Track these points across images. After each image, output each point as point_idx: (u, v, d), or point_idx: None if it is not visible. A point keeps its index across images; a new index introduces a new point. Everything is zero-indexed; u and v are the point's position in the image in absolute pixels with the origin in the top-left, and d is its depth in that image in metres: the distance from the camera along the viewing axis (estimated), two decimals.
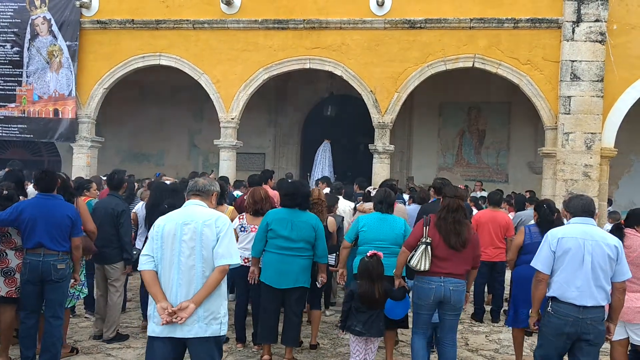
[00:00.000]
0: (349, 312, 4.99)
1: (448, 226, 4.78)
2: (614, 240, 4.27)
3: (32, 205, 5.15)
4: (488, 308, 8.02)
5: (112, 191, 6.58)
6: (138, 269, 3.81)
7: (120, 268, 6.34)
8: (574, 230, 4.24)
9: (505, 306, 7.97)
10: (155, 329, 3.56)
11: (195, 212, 3.68)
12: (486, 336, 7.02)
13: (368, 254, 5.04)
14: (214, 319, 3.62)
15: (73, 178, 9.03)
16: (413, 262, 4.78)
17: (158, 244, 3.64)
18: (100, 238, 6.14)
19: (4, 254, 5.27)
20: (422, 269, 4.76)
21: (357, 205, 7.98)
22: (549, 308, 4.25)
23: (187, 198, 3.89)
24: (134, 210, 7.31)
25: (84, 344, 6.11)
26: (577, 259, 4.13)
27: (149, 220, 6.65)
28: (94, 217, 6.19)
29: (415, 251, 4.80)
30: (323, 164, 15.86)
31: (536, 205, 6.00)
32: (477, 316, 7.86)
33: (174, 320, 3.46)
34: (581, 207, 4.33)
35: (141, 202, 7.70)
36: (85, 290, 6.10)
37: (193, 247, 3.56)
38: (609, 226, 10.39)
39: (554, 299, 4.21)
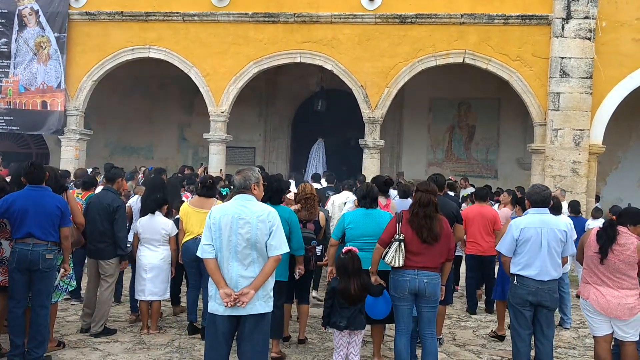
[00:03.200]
0: (331, 308, 5.02)
1: (420, 221, 4.87)
2: (564, 225, 5.14)
3: (22, 196, 5.21)
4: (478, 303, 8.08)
5: (107, 185, 6.57)
6: (201, 256, 4.07)
7: (115, 264, 6.30)
8: (533, 220, 5.08)
9: None
10: (218, 308, 4.03)
11: (248, 207, 4.07)
12: (473, 331, 7.06)
13: (343, 251, 5.07)
14: (269, 297, 4.14)
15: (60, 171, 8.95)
16: (387, 259, 4.89)
17: (217, 234, 4.04)
18: (95, 233, 6.16)
19: None
20: (396, 265, 4.86)
21: (354, 200, 7.94)
22: (515, 281, 5.10)
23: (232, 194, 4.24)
24: (128, 204, 7.36)
25: (70, 338, 6.08)
26: (536, 245, 4.98)
27: (144, 213, 6.68)
28: (89, 211, 6.22)
29: (389, 248, 4.90)
30: (317, 162, 15.99)
31: (518, 201, 6.99)
32: (471, 309, 7.97)
33: (237, 304, 3.94)
34: (540, 199, 5.13)
35: (136, 196, 7.73)
36: (74, 283, 6.09)
37: (248, 238, 4.00)
38: (591, 221, 10.43)
39: (518, 275, 5.06)
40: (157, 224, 6.41)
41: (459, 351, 6.26)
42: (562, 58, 11.78)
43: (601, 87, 11.78)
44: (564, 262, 5.18)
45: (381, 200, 6.56)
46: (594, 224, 10.02)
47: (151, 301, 6.42)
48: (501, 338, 6.67)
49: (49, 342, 5.48)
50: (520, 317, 5.07)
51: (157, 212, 6.46)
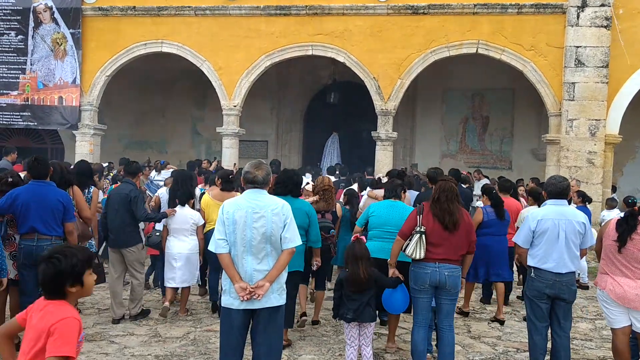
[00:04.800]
0: (340, 300, 5.07)
1: (442, 205, 4.94)
2: (582, 217, 5.04)
3: (25, 191, 5.25)
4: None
5: (127, 177, 6.88)
6: (214, 252, 4.08)
7: (136, 251, 6.57)
8: (550, 212, 5.01)
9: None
10: (233, 302, 4.06)
11: (261, 201, 4.09)
12: (488, 323, 7.03)
13: (352, 239, 5.20)
14: (283, 290, 4.18)
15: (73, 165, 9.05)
16: (408, 251, 4.92)
17: (231, 228, 4.04)
18: (116, 223, 6.45)
19: (13, 238, 5.37)
20: (417, 257, 4.89)
21: (367, 191, 8.14)
22: (532, 274, 5.03)
23: (245, 187, 4.22)
24: (157, 194, 7.92)
25: (87, 331, 6.14)
26: (554, 236, 4.91)
27: (172, 204, 7.19)
28: (109, 203, 6.53)
29: (410, 240, 4.93)
30: (332, 155, 16.08)
31: (486, 191, 7.31)
32: (486, 299, 7.99)
33: (253, 297, 3.97)
34: (556, 190, 5.06)
35: (164, 188, 8.35)
36: None
37: (263, 232, 4.01)
38: (606, 212, 10.33)
39: (535, 268, 4.98)
40: (186, 215, 6.78)
41: (474, 343, 6.24)
42: (577, 47, 11.62)
43: (618, 76, 11.60)
44: (583, 254, 5.10)
45: None
46: (609, 215, 9.95)
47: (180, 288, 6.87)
48: (465, 314, 7.16)
49: None
50: (537, 309, 5.01)
51: (185, 205, 6.85)
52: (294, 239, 4.11)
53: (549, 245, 4.92)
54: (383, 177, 9.51)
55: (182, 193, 6.94)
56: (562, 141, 11.77)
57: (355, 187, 9.57)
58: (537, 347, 5.03)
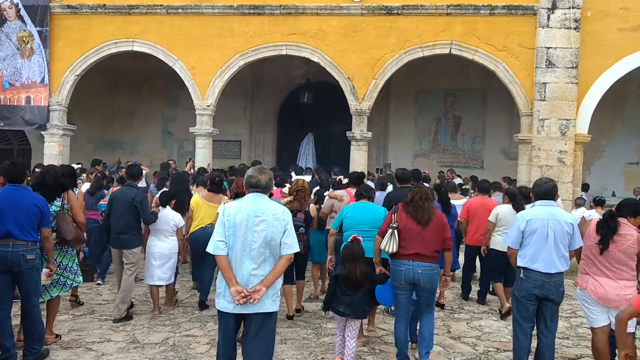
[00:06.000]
0: (333, 293, 5.30)
1: (416, 203, 5.27)
2: (570, 219, 5.14)
3: (1, 195, 5.14)
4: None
5: (129, 181, 6.99)
6: (212, 253, 4.08)
7: (137, 252, 6.81)
8: (539, 212, 5.08)
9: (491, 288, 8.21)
10: (227, 306, 4.06)
11: (263, 205, 4.10)
12: (467, 323, 7.08)
13: (350, 239, 5.43)
14: (278, 296, 4.20)
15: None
16: (382, 245, 5.28)
17: (231, 231, 4.04)
18: (119, 225, 6.68)
19: None
20: (390, 251, 5.23)
21: (329, 192, 8.31)
22: (521, 275, 5.08)
23: (247, 191, 4.24)
24: (156, 197, 8.05)
25: (63, 338, 5.99)
26: (543, 236, 4.98)
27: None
28: (113, 205, 6.75)
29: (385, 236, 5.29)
30: (307, 155, 16.07)
31: (435, 187, 7.72)
32: (464, 294, 8.18)
33: (249, 302, 3.98)
34: (543, 191, 5.13)
35: (164, 189, 8.66)
36: (79, 279, 6.11)
37: (264, 237, 4.02)
38: (573, 211, 10.54)
39: (525, 268, 5.03)
40: (167, 216, 6.99)
41: (455, 344, 6.27)
42: (548, 48, 11.81)
43: (586, 77, 11.82)
44: (571, 256, 5.17)
45: (352, 190, 7.53)
46: (576, 213, 10.16)
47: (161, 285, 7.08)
48: (441, 306, 7.49)
49: (50, 336, 5.64)
50: (524, 310, 5.08)
51: (167, 206, 7.05)
52: (293, 245, 4.11)
53: (538, 245, 4.98)
54: (343, 178, 9.97)
55: (164, 194, 7.09)
56: (533, 141, 11.95)
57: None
58: (522, 347, 5.10)
